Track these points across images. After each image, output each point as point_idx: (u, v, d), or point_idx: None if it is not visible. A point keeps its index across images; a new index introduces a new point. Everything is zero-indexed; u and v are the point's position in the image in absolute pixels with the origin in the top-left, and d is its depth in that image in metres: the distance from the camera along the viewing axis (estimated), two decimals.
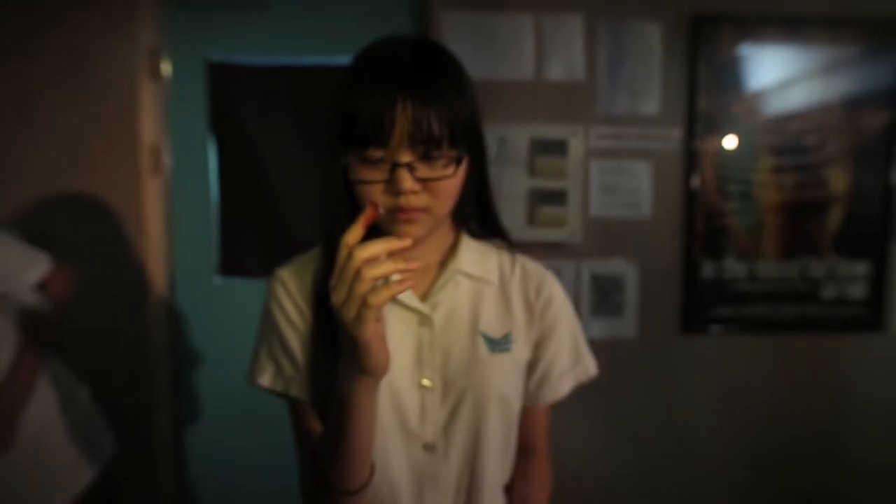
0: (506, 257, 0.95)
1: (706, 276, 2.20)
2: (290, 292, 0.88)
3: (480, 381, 0.87)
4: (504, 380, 0.89)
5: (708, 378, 2.25)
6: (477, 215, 0.92)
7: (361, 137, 0.74)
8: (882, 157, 2.18)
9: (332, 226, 0.81)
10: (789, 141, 2.16)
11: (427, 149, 0.75)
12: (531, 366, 0.94)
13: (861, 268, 2.23)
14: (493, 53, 2.10)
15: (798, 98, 2.15)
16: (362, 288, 0.66)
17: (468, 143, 0.80)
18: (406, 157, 0.75)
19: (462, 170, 0.80)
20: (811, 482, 2.31)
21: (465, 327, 0.88)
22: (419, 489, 0.87)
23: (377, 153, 0.75)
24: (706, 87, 2.12)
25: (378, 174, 0.76)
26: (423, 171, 0.76)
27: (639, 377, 2.23)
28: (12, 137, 1.99)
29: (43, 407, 1.37)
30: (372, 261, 0.66)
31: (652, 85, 2.14)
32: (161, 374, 2.22)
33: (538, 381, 0.94)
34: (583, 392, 2.21)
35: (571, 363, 0.95)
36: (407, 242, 0.70)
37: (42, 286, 1.36)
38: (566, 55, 2.12)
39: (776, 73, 2.14)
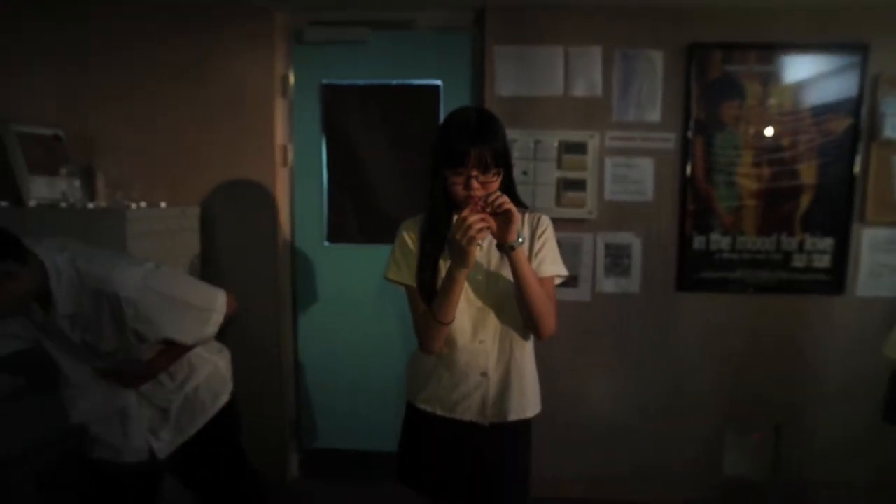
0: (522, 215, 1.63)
1: (696, 246, 2.73)
2: (409, 232, 1.61)
3: (505, 272, 1.54)
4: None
5: (697, 327, 2.77)
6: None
7: (453, 163, 1.44)
8: (846, 154, 2.64)
9: (434, 203, 1.54)
10: (767, 141, 2.66)
11: (485, 169, 1.44)
12: (534, 256, 1.59)
13: (826, 243, 2.70)
14: (532, 76, 2.69)
15: (774, 107, 2.64)
16: (472, 232, 1.35)
17: (504, 163, 1.49)
18: (475, 173, 1.43)
19: (500, 177, 1.49)
20: (778, 407, 2.79)
21: (496, 250, 1.56)
22: (475, 329, 1.59)
23: (460, 170, 1.44)
24: (698, 99, 2.65)
25: (460, 180, 1.44)
26: (483, 178, 1.44)
27: (642, 324, 2.78)
28: (193, 141, 2.77)
29: (206, 359, 1.98)
30: (475, 221, 1.36)
31: (655, 98, 2.68)
32: (285, 312, 2.95)
33: (536, 265, 1.58)
34: (601, 334, 2.79)
35: (551, 261, 1.60)
36: (485, 215, 1.40)
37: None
38: (588, 76, 2.69)
39: (756, 87, 2.64)
